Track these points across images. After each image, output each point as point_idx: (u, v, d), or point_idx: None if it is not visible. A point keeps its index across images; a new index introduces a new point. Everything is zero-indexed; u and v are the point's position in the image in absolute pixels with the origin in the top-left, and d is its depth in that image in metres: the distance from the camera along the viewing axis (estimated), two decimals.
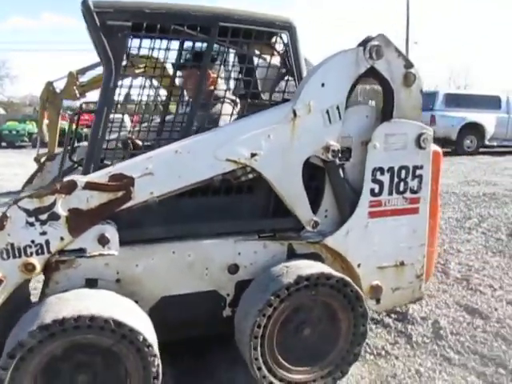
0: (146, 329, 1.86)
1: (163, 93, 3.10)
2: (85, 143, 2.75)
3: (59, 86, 7.22)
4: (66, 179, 1.85)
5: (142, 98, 2.62)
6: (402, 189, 2.32)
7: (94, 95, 7.39)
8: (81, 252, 1.91)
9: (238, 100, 2.43)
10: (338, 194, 2.26)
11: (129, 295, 2.00)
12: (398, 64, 2.18)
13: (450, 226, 5.13)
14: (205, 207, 2.15)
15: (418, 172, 2.33)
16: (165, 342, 1.99)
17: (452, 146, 12.37)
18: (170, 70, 2.91)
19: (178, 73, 2.69)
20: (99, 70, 6.52)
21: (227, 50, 2.34)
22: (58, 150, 6.50)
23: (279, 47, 2.23)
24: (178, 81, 2.95)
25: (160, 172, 1.93)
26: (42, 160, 3.18)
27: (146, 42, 2.07)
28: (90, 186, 1.85)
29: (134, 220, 2.01)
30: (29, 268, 1.84)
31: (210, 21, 1.99)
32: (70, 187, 1.83)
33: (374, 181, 2.26)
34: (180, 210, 2.12)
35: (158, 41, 2.05)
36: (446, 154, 11.72)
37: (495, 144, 12.48)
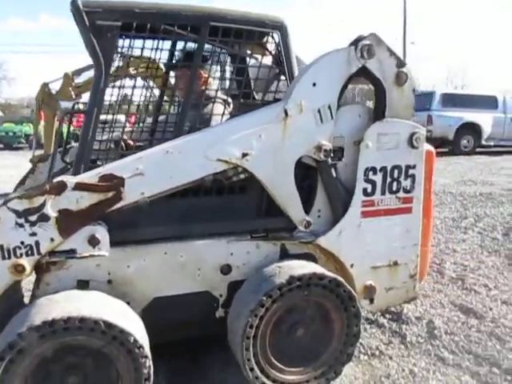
0: (138, 330, 1.85)
1: (158, 93, 3.08)
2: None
3: (55, 87, 7.21)
4: (55, 180, 1.84)
5: (138, 99, 2.62)
6: (394, 188, 2.32)
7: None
8: (71, 253, 1.90)
9: (230, 100, 2.42)
10: (331, 194, 2.25)
11: (120, 296, 1.99)
12: (390, 63, 2.18)
13: (446, 225, 5.13)
14: (197, 207, 2.14)
15: (410, 171, 2.33)
16: (158, 343, 1.98)
17: (449, 146, 12.39)
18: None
19: (171, 73, 2.70)
20: None
21: (220, 50, 2.34)
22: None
23: (271, 47, 2.22)
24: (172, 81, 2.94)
25: (151, 172, 1.93)
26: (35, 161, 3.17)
27: (139, 43, 2.07)
28: (79, 186, 1.84)
29: (126, 221, 2.00)
30: (19, 269, 1.82)
31: (200, 20, 1.98)
32: (60, 188, 1.82)
33: (367, 180, 2.25)
34: (172, 210, 2.11)
35: (150, 41, 2.05)
36: (442, 153, 11.72)
37: (492, 144, 12.49)
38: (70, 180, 1.84)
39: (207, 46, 2.20)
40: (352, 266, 2.31)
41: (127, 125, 2.51)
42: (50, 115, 7.29)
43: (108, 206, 1.89)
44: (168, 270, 2.09)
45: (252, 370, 2.02)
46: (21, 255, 1.82)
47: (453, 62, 65.35)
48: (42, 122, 7.65)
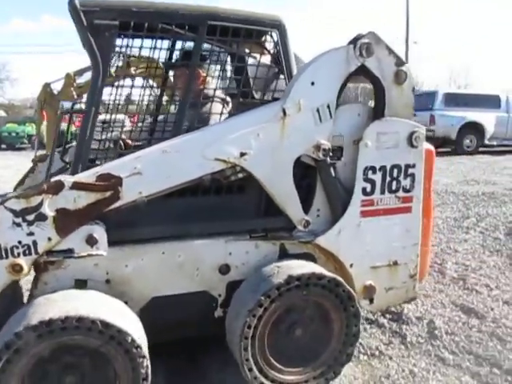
0: (135, 330, 1.85)
1: (158, 93, 3.08)
2: None
3: (57, 87, 7.22)
4: (53, 179, 1.83)
5: (139, 99, 2.61)
6: (394, 188, 2.30)
7: None
8: (69, 252, 1.90)
9: (228, 99, 2.42)
10: (330, 193, 2.24)
11: (118, 296, 1.99)
12: (389, 62, 2.17)
13: (447, 225, 5.11)
14: (195, 207, 2.13)
15: (410, 171, 2.31)
16: (156, 343, 1.98)
17: (452, 146, 12.35)
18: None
19: (170, 72, 2.69)
20: None
21: (220, 49, 2.33)
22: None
23: (269, 46, 2.21)
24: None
25: (148, 172, 1.92)
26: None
27: (138, 42, 2.06)
28: (77, 186, 1.84)
29: (124, 220, 2.00)
30: (16, 269, 1.82)
31: (198, 19, 1.97)
32: (57, 187, 1.82)
33: (366, 180, 2.24)
34: (170, 209, 2.11)
35: (149, 40, 2.04)
36: (445, 153, 11.68)
37: (495, 143, 12.44)
38: (67, 179, 1.83)
39: (206, 45, 2.20)
40: (351, 265, 2.30)
41: (128, 124, 2.51)
42: (52, 115, 7.30)
43: (106, 206, 1.89)
44: (166, 270, 2.09)
45: (250, 370, 2.01)
46: (18, 255, 1.81)
47: (454, 62, 65.29)
48: (45, 122, 7.66)
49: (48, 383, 1.76)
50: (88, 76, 7.16)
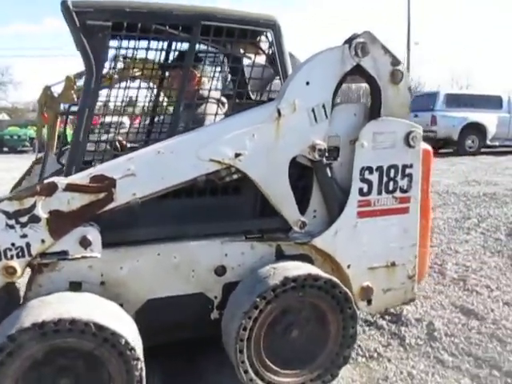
0: (129, 332, 1.83)
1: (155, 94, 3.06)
2: None
3: (57, 90, 7.22)
4: (46, 181, 1.83)
5: (140, 100, 2.60)
6: (391, 188, 2.29)
7: None
8: (63, 254, 1.89)
9: (224, 100, 2.41)
10: (326, 194, 2.23)
11: (114, 298, 1.98)
12: (385, 61, 2.15)
13: (448, 226, 5.08)
14: (191, 208, 2.12)
15: (407, 171, 2.30)
16: (152, 345, 1.96)
17: (453, 147, 12.32)
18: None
19: (167, 73, 2.68)
20: None
21: (216, 49, 2.32)
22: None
23: (264, 46, 2.20)
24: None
25: (142, 173, 1.91)
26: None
27: (136, 43, 2.05)
28: (70, 187, 1.83)
29: (118, 222, 1.99)
30: (10, 271, 1.81)
31: (192, 20, 1.96)
32: (51, 189, 1.81)
33: (363, 180, 2.22)
34: (165, 211, 2.10)
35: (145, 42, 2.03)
36: (447, 154, 11.64)
37: (497, 144, 12.40)
38: (60, 181, 1.82)
39: (202, 46, 2.19)
40: (349, 266, 2.28)
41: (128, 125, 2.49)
42: (53, 118, 7.31)
43: (99, 207, 1.88)
44: (162, 272, 2.08)
45: (246, 372, 2.00)
46: (11, 257, 1.80)
47: (455, 64, 65.11)
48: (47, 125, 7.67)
49: None
50: None
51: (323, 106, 2.10)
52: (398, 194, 2.30)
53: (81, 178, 1.85)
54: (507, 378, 2.27)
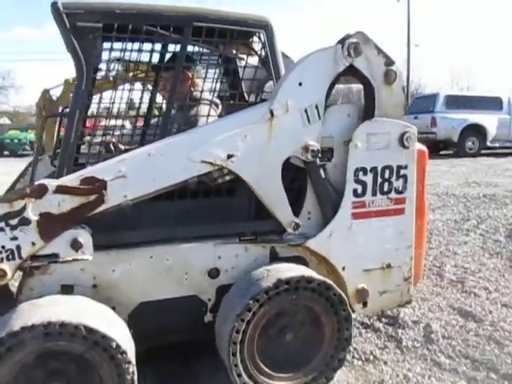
0: (121, 335, 1.81)
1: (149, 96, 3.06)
2: None
3: (56, 93, 7.26)
4: (36, 183, 1.81)
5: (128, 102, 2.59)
6: (386, 189, 2.27)
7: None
8: (54, 257, 1.87)
9: (218, 101, 2.40)
10: (320, 195, 2.21)
11: (106, 301, 1.96)
12: (378, 61, 2.14)
13: (447, 227, 5.05)
14: (183, 210, 2.11)
15: (402, 172, 2.28)
16: (146, 348, 1.95)
17: (454, 148, 12.30)
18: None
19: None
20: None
21: (210, 51, 2.31)
22: None
23: (257, 47, 2.19)
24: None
25: (133, 175, 1.90)
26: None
27: (131, 45, 2.04)
28: (61, 189, 1.81)
29: (110, 224, 1.98)
30: (0, 274, 1.80)
31: (183, 21, 1.96)
32: (41, 191, 1.80)
33: (357, 181, 2.21)
34: (158, 213, 2.08)
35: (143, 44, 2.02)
36: (447, 156, 11.61)
37: (497, 145, 12.38)
38: (50, 183, 1.81)
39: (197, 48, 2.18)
40: (343, 268, 2.26)
41: (128, 127, 2.49)
42: (51, 121, 7.32)
43: (90, 210, 1.86)
44: (154, 274, 2.06)
45: (240, 375, 1.98)
46: (1, 260, 1.79)
47: (455, 62, 65.10)
48: None
49: None
50: None
51: (316, 107, 2.09)
52: (392, 195, 2.28)
53: (71, 180, 1.84)
54: (504, 381, 2.24)
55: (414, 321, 2.85)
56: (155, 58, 2.42)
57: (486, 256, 4.08)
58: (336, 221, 2.20)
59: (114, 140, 2.52)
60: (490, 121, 11.99)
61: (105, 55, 2.03)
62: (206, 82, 2.33)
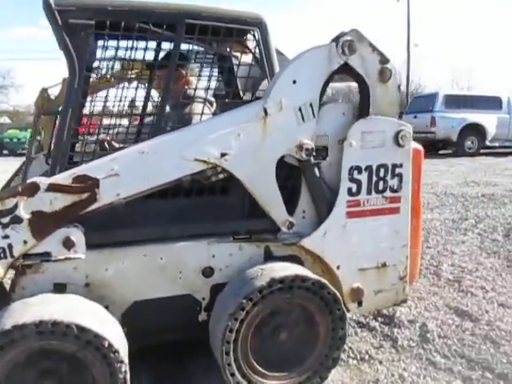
0: (113, 334, 1.80)
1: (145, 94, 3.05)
2: None
3: (54, 92, 7.23)
4: (28, 181, 1.81)
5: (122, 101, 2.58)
6: (381, 188, 2.26)
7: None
8: (46, 256, 1.86)
9: (213, 99, 2.39)
10: (315, 194, 2.20)
11: (99, 300, 1.95)
12: (373, 59, 2.13)
13: (445, 227, 5.05)
14: (177, 209, 2.10)
15: (397, 170, 2.27)
16: (140, 347, 1.94)
17: (453, 148, 12.30)
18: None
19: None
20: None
21: (205, 49, 2.30)
22: None
23: (251, 44, 2.18)
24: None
25: (126, 173, 1.89)
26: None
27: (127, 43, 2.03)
28: (53, 187, 1.80)
29: (103, 222, 1.97)
30: None
31: (175, 18, 1.95)
32: (33, 189, 1.79)
33: (352, 180, 2.20)
34: (151, 211, 2.07)
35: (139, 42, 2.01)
36: (446, 155, 11.63)
37: (497, 145, 12.39)
38: (42, 181, 1.80)
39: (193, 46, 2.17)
40: (338, 267, 2.25)
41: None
42: (49, 120, 7.31)
43: (82, 208, 1.85)
44: (148, 273, 2.05)
45: (233, 375, 1.97)
46: None
47: (456, 62, 65.07)
48: None
49: None
50: None
51: (310, 105, 2.08)
52: (387, 193, 2.27)
53: (64, 178, 1.83)
54: (500, 380, 2.23)
55: (409, 320, 2.84)
56: (149, 56, 2.43)
57: (484, 255, 4.07)
58: (330, 220, 2.19)
59: (108, 138, 2.51)
60: (489, 120, 11.99)
61: (98, 53, 2.03)
62: (201, 80, 2.32)
